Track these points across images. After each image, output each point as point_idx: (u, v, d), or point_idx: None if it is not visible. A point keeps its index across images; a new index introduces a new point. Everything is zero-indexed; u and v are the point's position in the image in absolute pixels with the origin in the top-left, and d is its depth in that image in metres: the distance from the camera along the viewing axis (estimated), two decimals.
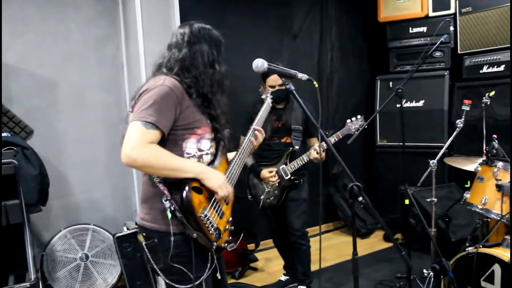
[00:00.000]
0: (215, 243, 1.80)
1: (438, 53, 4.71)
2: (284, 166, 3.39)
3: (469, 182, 4.37)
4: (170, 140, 1.80)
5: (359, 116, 3.34)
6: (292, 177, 3.37)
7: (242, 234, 4.14)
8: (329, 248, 4.62)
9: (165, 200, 1.74)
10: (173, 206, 1.72)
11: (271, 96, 2.54)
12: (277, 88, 3.29)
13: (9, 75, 3.43)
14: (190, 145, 1.83)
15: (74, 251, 3.47)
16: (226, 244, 1.90)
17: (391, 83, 4.92)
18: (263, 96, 2.58)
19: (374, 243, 4.80)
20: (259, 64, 1.92)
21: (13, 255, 3.10)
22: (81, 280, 3.46)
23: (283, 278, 3.79)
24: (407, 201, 3.25)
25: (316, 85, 1.87)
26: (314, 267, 3.57)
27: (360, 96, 5.43)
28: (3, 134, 3.03)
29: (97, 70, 3.82)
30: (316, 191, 3.98)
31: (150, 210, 1.85)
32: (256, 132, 2.26)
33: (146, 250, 1.83)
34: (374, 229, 5.08)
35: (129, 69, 3.92)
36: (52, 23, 3.57)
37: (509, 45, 4.15)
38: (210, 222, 1.77)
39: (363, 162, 5.45)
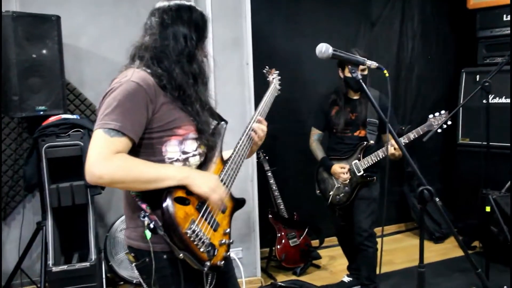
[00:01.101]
0: (207, 263, 1.48)
1: None
2: (357, 161, 3.19)
3: None
4: (145, 145, 1.53)
5: (443, 112, 3.04)
6: (364, 174, 3.16)
7: (306, 230, 4.00)
8: (399, 250, 4.33)
9: (143, 217, 1.46)
10: (153, 222, 1.44)
11: (279, 77, 2.23)
12: (360, 72, 3.08)
13: (82, 59, 3.52)
14: (171, 149, 1.54)
15: None
16: (222, 262, 1.58)
17: (478, 76, 4.48)
18: (269, 78, 2.26)
19: (448, 249, 4.43)
20: (323, 49, 1.71)
21: (78, 234, 3.21)
22: None
23: (346, 279, 3.60)
24: (488, 208, 2.90)
25: (387, 75, 1.66)
26: (386, 268, 3.34)
27: (442, 90, 5.01)
28: (72, 116, 3.10)
29: None
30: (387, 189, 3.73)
31: (135, 227, 1.57)
32: (256, 124, 1.84)
33: (136, 272, 1.59)
34: (449, 234, 4.68)
35: None
36: (124, 7, 3.60)
37: None
38: (200, 238, 1.47)
39: (442, 161, 5.05)
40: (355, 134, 3.24)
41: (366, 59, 1.69)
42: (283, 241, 3.88)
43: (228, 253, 1.64)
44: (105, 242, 3.44)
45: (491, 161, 4.04)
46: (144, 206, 1.48)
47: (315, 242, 4.16)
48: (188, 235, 1.44)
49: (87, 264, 2.95)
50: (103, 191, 3.21)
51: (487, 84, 2.65)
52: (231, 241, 1.65)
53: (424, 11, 4.90)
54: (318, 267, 4.05)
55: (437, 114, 3.06)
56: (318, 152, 3.36)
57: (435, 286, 3.53)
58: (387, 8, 4.71)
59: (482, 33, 4.53)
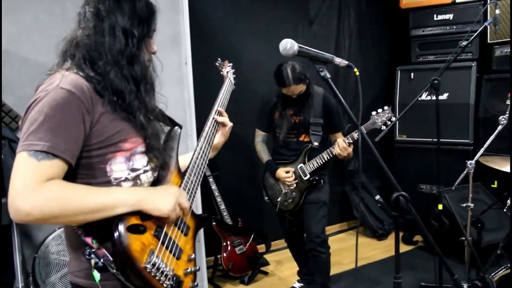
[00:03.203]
0: None
1: (464, 42, 4.34)
2: (302, 165, 3.06)
3: (496, 182, 4.07)
4: (85, 166, 1.24)
5: (386, 108, 2.99)
6: (311, 178, 3.04)
7: (252, 236, 3.84)
8: (345, 250, 4.29)
9: (89, 255, 1.20)
10: (102, 259, 1.19)
11: (233, 70, 2.04)
12: (294, 96, 2.98)
13: None
14: (118, 167, 1.27)
15: None
16: None
17: (412, 74, 4.59)
18: (223, 72, 2.06)
19: (392, 245, 4.43)
20: (288, 45, 1.56)
21: (1, 258, 2.82)
22: None
23: (297, 285, 3.49)
24: (440, 206, 2.91)
25: (357, 73, 1.55)
26: (334, 270, 3.27)
27: (379, 87, 5.08)
28: None
29: None
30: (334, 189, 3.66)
31: (80, 262, 1.28)
32: (219, 123, 1.69)
33: None
34: (392, 230, 4.76)
35: None
36: (47, 1, 3.23)
37: None
38: (162, 272, 1.23)
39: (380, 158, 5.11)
40: (300, 139, 3.11)
41: (334, 56, 1.55)
42: (229, 249, 3.70)
43: (196, 283, 1.40)
44: (33, 264, 3.05)
45: (427, 156, 4.15)
46: (89, 240, 1.22)
47: (261, 247, 4.02)
48: (147, 270, 1.19)
49: None
50: None
51: (436, 81, 2.64)
52: (197, 268, 1.41)
53: (360, 10, 4.94)
54: (266, 273, 3.91)
55: (380, 110, 3.00)
56: (263, 155, 3.22)
57: (385, 285, 3.53)
58: (324, 6, 4.68)
59: (415, 32, 4.65)
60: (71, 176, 1.21)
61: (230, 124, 1.74)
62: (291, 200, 3.12)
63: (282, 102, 3.08)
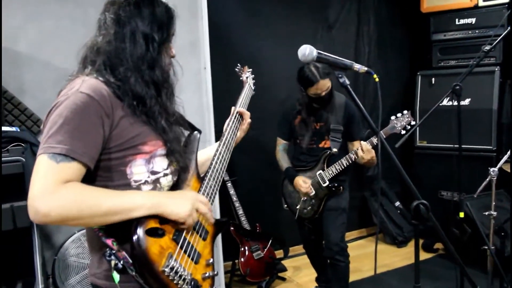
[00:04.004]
0: None
1: (488, 47, 4.27)
2: (321, 171, 3.02)
3: None
4: (104, 168, 1.26)
5: (405, 112, 2.93)
6: (330, 184, 3.01)
7: (270, 241, 3.82)
8: (364, 257, 4.23)
9: (109, 256, 1.21)
10: (122, 261, 1.20)
11: (253, 76, 2.04)
12: (323, 94, 2.91)
13: (22, 64, 3.16)
14: (137, 169, 1.29)
15: (88, 256, 3.20)
16: None
17: (433, 79, 4.52)
18: (243, 78, 2.05)
19: (412, 252, 4.38)
20: (307, 51, 1.54)
21: (22, 259, 2.87)
22: None
23: None
24: (462, 214, 2.85)
25: (377, 79, 1.53)
26: (353, 277, 3.22)
27: (398, 93, 5.01)
28: (12, 129, 2.77)
29: None
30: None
31: (101, 264, 1.30)
32: (240, 115, 1.73)
33: None
34: (411, 237, 4.68)
35: None
36: (69, 7, 3.28)
37: None
38: (180, 276, 1.23)
39: (400, 163, 5.04)
40: (320, 145, 3.07)
41: (353, 62, 1.53)
42: (247, 254, 3.69)
43: None
44: (53, 266, 3.09)
45: (447, 162, 4.08)
46: (109, 241, 1.23)
47: (279, 253, 4.00)
48: (166, 274, 1.20)
49: None
50: None
51: (457, 87, 2.59)
52: (215, 272, 1.41)
53: (380, 15, 4.89)
54: (283, 279, 3.89)
55: (399, 115, 2.94)
56: (283, 162, 3.19)
57: None
58: (344, 11, 4.66)
59: (436, 36, 4.59)
60: (90, 178, 1.23)
61: (249, 120, 1.81)
62: (310, 207, 3.08)
63: (306, 109, 3.03)
